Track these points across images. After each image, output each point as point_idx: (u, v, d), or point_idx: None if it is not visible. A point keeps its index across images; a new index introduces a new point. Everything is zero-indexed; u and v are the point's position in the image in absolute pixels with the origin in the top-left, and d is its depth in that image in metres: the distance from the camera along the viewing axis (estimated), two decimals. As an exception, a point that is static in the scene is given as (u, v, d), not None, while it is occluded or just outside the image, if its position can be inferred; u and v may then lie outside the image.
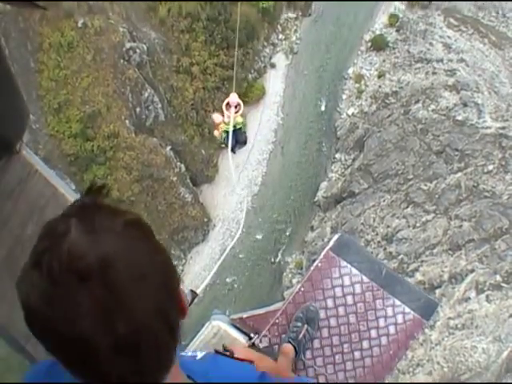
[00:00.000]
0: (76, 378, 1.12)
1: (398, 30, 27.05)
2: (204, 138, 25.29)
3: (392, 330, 4.07)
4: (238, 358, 1.86)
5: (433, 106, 24.25)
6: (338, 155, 26.36)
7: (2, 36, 21.35)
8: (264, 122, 26.63)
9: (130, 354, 1.06)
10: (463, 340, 21.03)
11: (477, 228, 21.87)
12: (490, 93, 23.97)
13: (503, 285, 21.19)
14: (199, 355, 1.76)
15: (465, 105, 23.82)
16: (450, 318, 21.25)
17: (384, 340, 4.07)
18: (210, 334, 3.94)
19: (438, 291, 21.50)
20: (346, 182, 25.09)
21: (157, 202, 24.39)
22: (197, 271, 25.19)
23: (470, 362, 20.83)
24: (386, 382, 4.21)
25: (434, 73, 25.08)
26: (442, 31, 25.97)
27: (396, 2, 27.43)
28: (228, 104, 6.12)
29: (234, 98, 6.07)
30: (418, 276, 21.94)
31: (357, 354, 4.05)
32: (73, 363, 1.10)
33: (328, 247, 4.17)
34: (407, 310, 4.08)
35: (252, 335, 4.00)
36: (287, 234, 26.35)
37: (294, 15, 27.83)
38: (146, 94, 24.08)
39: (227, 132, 6.31)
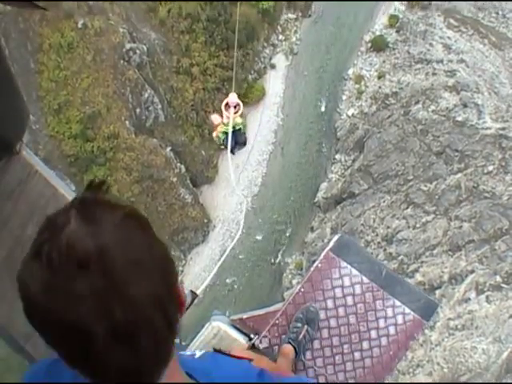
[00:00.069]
0: (76, 372, 1.13)
1: (397, 31, 27.05)
2: (204, 139, 25.28)
3: (392, 330, 4.07)
4: (236, 356, 1.86)
5: (433, 107, 24.25)
6: (337, 156, 26.37)
7: (2, 36, 21.35)
8: (264, 123, 26.64)
9: (127, 342, 1.07)
10: (463, 341, 21.03)
11: (477, 229, 21.87)
12: (490, 93, 23.98)
13: (503, 285, 21.19)
14: (198, 354, 1.77)
15: (465, 105, 23.83)
16: (450, 319, 21.25)
17: (384, 341, 4.06)
18: (210, 334, 3.94)
19: (438, 292, 21.51)
20: (345, 182, 25.09)
21: (157, 202, 24.39)
22: (197, 272, 25.19)
23: (469, 363, 20.83)
24: (386, 382, 4.21)
25: (434, 73, 25.08)
26: (442, 32, 25.97)
27: (396, 3, 27.43)
28: (227, 104, 5.98)
29: (233, 98, 5.93)
30: (418, 277, 21.94)
31: (357, 355, 4.05)
32: (72, 354, 1.11)
33: (328, 248, 4.17)
34: (407, 310, 4.08)
35: (252, 336, 4.00)
36: (287, 234, 26.35)
37: (294, 16, 27.83)
38: (146, 95, 24.09)
39: (226, 133, 6.18)
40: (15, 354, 3.37)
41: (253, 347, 3.93)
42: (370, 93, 26.38)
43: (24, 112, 3.36)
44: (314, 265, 4.16)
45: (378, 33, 27.35)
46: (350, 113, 26.54)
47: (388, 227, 23.07)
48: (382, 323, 4.07)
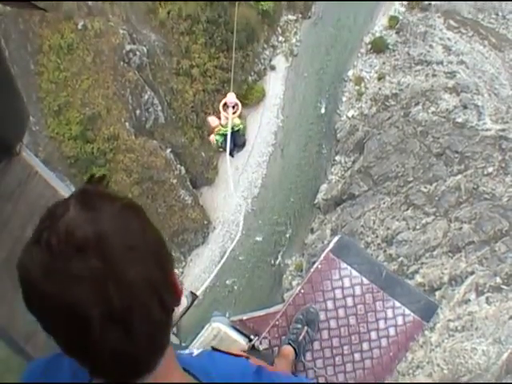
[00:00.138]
0: (73, 358, 1.16)
1: (397, 32, 27.04)
2: (204, 141, 25.25)
3: (392, 331, 4.07)
4: (233, 354, 1.87)
5: (433, 109, 24.25)
6: (337, 157, 26.36)
7: (2, 38, 21.34)
8: (264, 125, 26.63)
9: (123, 325, 1.09)
10: (463, 342, 21.02)
11: (477, 230, 21.87)
12: (490, 95, 23.98)
13: (503, 287, 21.18)
14: (195, 352, 1.78)
15: (465, 107, 23.82)
16: (449, 320, 21.24)
17: (384, 342, 4.07)
18: (210, 335, 3.94)
19: (437, 293, 21.50)
20: (345, 184, 25.08)
21: (157, 204, 24.37)
22: (197, 273, 25.18)
23: (469, 364, 20.82)
24: (386, 382, 4.21)
25: (433, 75, 25.08)
26: (442, 33, 25.97)
27: (396, 4, 27.41)
28: (225, 104, 5.89)
29: (231, 97, 5.83)
30: (418, 278, 21.93)
31: (357, 356, 4.05)
32: (70, 340, 1.13)
33: (328, 249, 4.17)
34: (407, 311, 4.08)
35: (252, 337, 4.00)
36: (287, 236, 26.33)
37: (294, 17, 27.82)
38: (146, 97, 24.09)
39: (224, 135, 6.06)
40: (15, 355, 3.37)
41: (253, 348, 3.93)
42: (370, 94, 26.37)
43: (24, 113, 3.36)
44: (314, 266, 4.17)
45: (377, 34, 27.34)
46: (349, 114, 26.53)
47: (388, 228, 23.07)
48: (382, 324, 4.07)
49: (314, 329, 3.99)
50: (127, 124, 23.74)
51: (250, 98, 25.94)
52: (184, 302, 3.08)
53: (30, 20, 22.58)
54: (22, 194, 3.21)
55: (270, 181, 26.51)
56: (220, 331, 3.95)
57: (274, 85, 27.17)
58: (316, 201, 26.08)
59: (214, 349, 1.97)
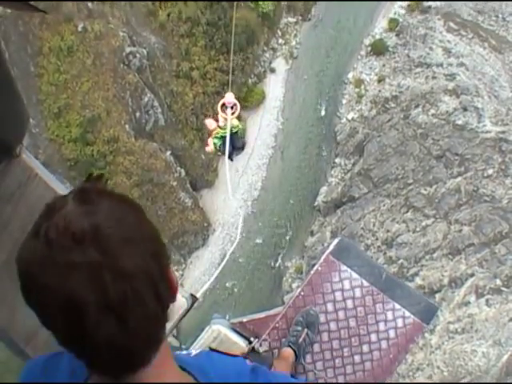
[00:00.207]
0: (70, 352, 1.18)
1: (397, 35, 27.07)
2: (204, 143, 25.22)
3: (392, 333, 4.07)
4: (231, 354, 1.89)
5: (433, 111, 24.26)
6: (337, 160, 26.36)
7: (2, 40, 21.35)
8: (264, 127, 26.64)
9: (118, 315, 1.11)
10: (463, 344, 21.00)
11: (477, 232, 21.86)
12: (490, 97, 23.99)
13: (503, 289, 21.17)
14: (194, 352, 1.78)
15: (465, 109, 23.83)
16: (449, 322, 21.22)
17: (384, 344, 4.06)
18: (210, 338, 3.94)
19: (437, 295, 21.48)
20: (345, 186, 25.08)
21: (157, 206, 24.37)
22: (197, 276, 25.17)
23: (469, 366, 20.80)
24: (386, 382, 4.21)
25: (433, 77, 25.09)
26: (442, 35, 25.99)
27: (396, 6, 27.43)
28: (224, 105, 5.62)
29: (229, 97, 5.59)
30: (418, 280, 21.92)
31: (357, 358, 4.05)
32: (66, 331, 1.15)
33: (328, 251, 4.17)
34: (407, 314, 4.08)
35: (252, 339, 4.00)
36: (287, 238, 26.33)
37: (294, 20, 27.85)
38: (146, 99, 24.10)
39: (222, 137, 5.81)
40: (15, 356, 3.37)
41: (253, 350, 3.93)
42: (370, 96, 26.38)
43: (24, 115, 3.36)
44: (314, 268, 4.17)
45: (377, 36, 27.37)
46: (349, 117, 26.54)
47: (388, 231, 23.06)
48: (382, 326, 4.07)
49: (314, 331, 3.99)
50: (127, 126, 23.74)
51: (250, 100, 25.96)
52: (184, 304, 3.08)
53: (29, 22, 22.58)
54: (21, 196, 3.21)
55: (270, 183, 26.51)
56: (220, 333, 3.95)
57: (274, 87, 27.19)
58: (316, 203, 26.08)
59: (211, 349, 1.97)
